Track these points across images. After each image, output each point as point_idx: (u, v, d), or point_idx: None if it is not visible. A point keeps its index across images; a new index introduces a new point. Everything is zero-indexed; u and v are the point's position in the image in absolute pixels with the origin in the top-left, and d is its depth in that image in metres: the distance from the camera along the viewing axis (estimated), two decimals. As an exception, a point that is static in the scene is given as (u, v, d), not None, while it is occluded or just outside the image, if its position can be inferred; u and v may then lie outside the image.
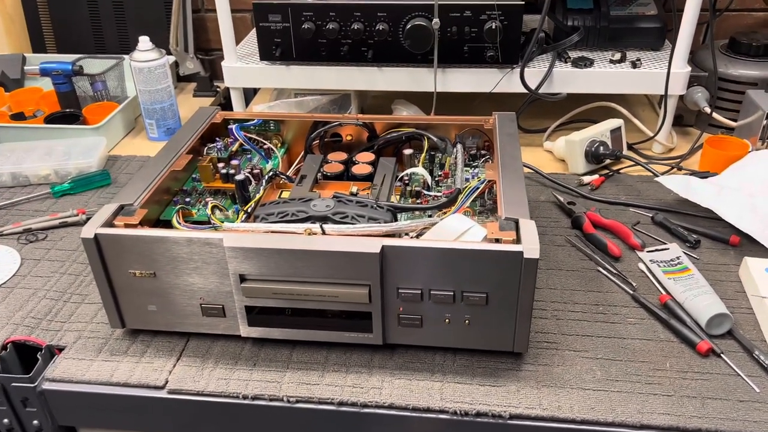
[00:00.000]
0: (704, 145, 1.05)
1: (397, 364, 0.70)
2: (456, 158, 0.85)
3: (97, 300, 0.81)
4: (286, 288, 0.67)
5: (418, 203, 0.80)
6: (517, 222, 0.67)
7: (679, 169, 1.05)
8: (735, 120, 1.10)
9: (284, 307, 0.69)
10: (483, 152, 0.89)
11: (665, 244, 0.87)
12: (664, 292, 0.78)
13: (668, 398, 0.65)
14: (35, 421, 0.73)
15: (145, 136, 1.23)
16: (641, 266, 0.84)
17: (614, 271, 0.83)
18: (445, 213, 0.75)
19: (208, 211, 0.75)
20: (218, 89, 1.42)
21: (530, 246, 0.63)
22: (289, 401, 0.67)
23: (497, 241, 0.65)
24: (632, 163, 1.06)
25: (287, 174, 0.90)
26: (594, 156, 1.04)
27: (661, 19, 1.11)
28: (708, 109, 1.09)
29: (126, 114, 1.24)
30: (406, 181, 0.83)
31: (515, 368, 0.69)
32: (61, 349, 0.74)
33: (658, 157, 1.11)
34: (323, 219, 0.72)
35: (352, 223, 0.71)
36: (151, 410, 0.69)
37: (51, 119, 1.19)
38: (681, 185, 0.92)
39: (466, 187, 0.77)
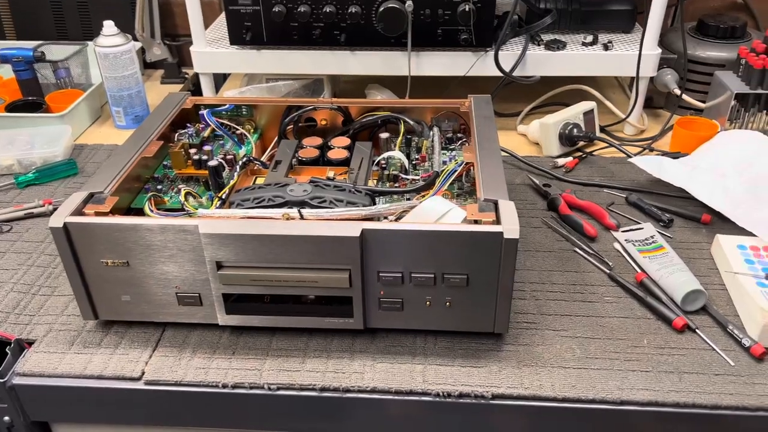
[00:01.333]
0: (674, 126, 1.06)
1: (379, 348, 0.70)
2: (433, 141, 0.85)
3: (67, 292, 0.79)
4: (265, 274, 0.66)
5: (396, 187, 0.79)
6: (496, 203, 0.67)
7: (651, 150, 1.07)
8: (704, 101, 1.12)
9: (263, 294, 0.68)
10: (459, 135, 0.89)
11: (639, 223, 0.88)
12: (639, 271, 0.79)
13: (646, 374, 0.66)
14: (6, 417, 0.71)
15: (112, 125, 1.20)
16: (617, 246, 0.85)
17: (591, 252, 0.83)
18: (423, 196, 0.75)
19: (182, 198, 0.73)
20: (186, 76, 1.39)
21: (510, 226, 0.63)
22: (270, 389, 0.66)
23: (477, 222, 0.65)
24: (605, 144, 1.07)
25: (261, 160, 0.88)
26: (568, 138, 1.04)
27: (632, 2, 1.12)
28: (678, 91, 1.11)
29: (91, 101, 1.20)
30: (383, 165, 0.82)
31: (496, 349, 0.70)
32: (30, 343, 0.72)
33: (629, 138, 1.12)
34: (301, 204, 0.71)
35: (331, 208, 0.70)
36: (128, 402, 0.68)
37: (12, 108, 1.15)
38: (654, 165, 0.93)
39: (444, 170, 0.77)
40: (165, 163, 0.84)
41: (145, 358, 0.69)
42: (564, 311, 0.74)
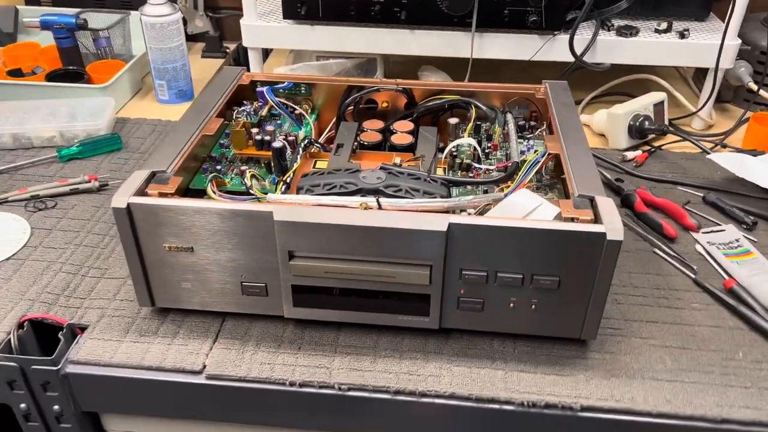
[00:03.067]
0: (750, 122, 1.01)
1: (454, 350, 0.65)
2: (508, 129, 0.79)
3: (119, 275, 0.74)
4: (340, 267, 0.62)
5: (470, 177, 0.74)
6: (592, 200, 0.62)
7: (724, 146, 1.01)
8: (780, 96, 1.06)
9: (334, 287, 0.64)
10: (532, 123, 0.84)
11: (721, 225, 0.83)
12: (727, 276, 0.74)
13: (746, 390, 0.62)
14: (56, 406, 0.67)
15: (154, 98, 1.15)
16: (698, 248, 0.79)
17: (672, 253, 0.78)
18: (502, 189, 0.70)
19: (248, 181, 0.68)
20: (228, 50, 1.34)
21: (613, 226, 0.58)
22: (341, 389, 0.62)
23: (573, 220, 0.60)
24: (675, 139, 1.01)
25: (321, 142, 0.83)
26: (638, 131, 0.99)
27: (708, -12, 1.06)
28: (753, 85, 1.05)
29: (133, 74, 1.16)
30: (454, 153, 0.77)
31: (581, 356, 0.65)
32: (83, 329, 0.68)
33: (698, 133, 1.06)
34: (375, 192, 0.66)
35: (407, 198, 0.65)
36: (188, 397, 0.64)
37: (53, 77, 1.10)
38: (734, 164, 0.88)
39: (524, 160, 0.72)
40: (221, 141, 0.80)
41: (205, 350, 0.65)
42: (649, 317, 0.70)
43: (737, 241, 0.79)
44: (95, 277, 0.74)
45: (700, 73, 1.15)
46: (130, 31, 1.21)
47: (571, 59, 1.01)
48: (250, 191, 0.68)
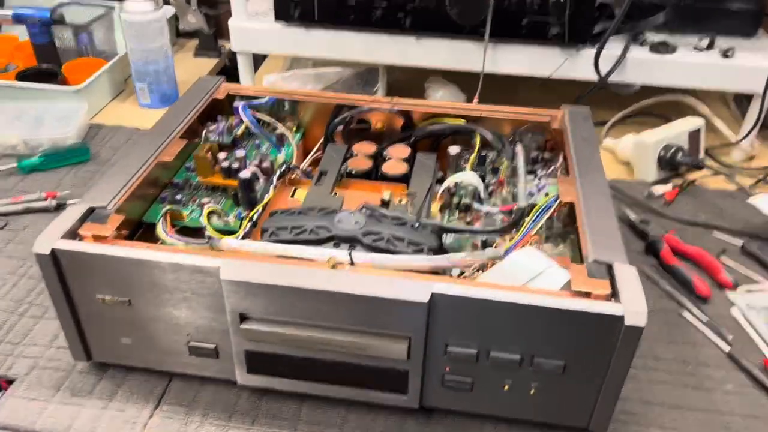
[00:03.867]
0: (798, 157, 0.88)
1: (437, 433, 0.55)
2: (516, 164, 0.68)
3: (61, 315, 0.65)
4: (299, 334, 0.51)
5: (467, 222, 0.64)
6: (610, 267, 0.51)
7: (767, 182, 0.89)
8: (834, 127, 0.93)
9: (293, 355, 0.54)
10: (545, 155, 0.72)
11: (762, 283, 0.71)
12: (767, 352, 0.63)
13: (789, 508, 0.50)
14: (-27, 472, 0.58)
15: (136, 102, 1.06)
16: (734, 312, 0.68)
17: (703, 318, 0.67)
18: (503, 239, 0.59)
19: (203, 220, 0.58)
20: (223, 49, 1.24)
21: (635, 308, 0.46)
22: (296, 479, 0.52)
23: (585, 294, 0.49)
24: (709, 172, 0.89)
25: (302, 168, 0.73)
26: (669, 163, 0.87)
27: (758, 1, 0.93)
28: (804, 113, 0.92)
29: (114, 74, 1.06)
30: (452, 190, 0.66)
31: (588, 450, 0.54)
32: (10, 382, 0.59)
33: (737, 166, 0.94)
34: (350, 240, 0.55)
35: (389, 250, 0.54)
36: (119, 476, 0.54)
37: (24, 76, 1.01)
38: (780, 209, 0.76)
39: (534, 206, 0.61)
40: (188, 164, 0.70)
41: (144, 418, 0.56)
42: (673, 401, 0.58)
43: (782, 305, 0.67)
44: (34, 317, 0.65)
45: (743, 95, 1.02)
46: (114, 25, 1.11)
47: (597, 77, 0.89)
48: (205, 232, 0.57)
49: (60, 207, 0.79)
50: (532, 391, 0.52)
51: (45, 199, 0.79)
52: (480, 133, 0.71)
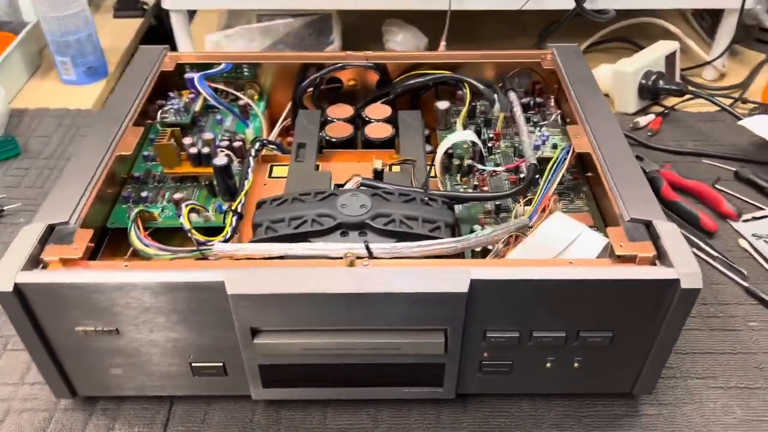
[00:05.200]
0: (772, 71, 0.87)
1: (476, 420, 0.51)
2: (514, 114, 0.63)
3: (27, 344, 0.57)
4: (322, 342, 0.46)
5: (475, 186, 0.58)
6: (648, 225, 0.47)
7: (744, 102, 0.87)
8: (802, 37, 0.92)
9: (315, 363, 0.48)
10: (537, 100, 0.67)
11: (763, 209, 0.70)
12: (785, 282, 0.62)
13: (835, 442, 0.50)
14: None
15: (57, 78, 0.93)
16: (742, 243, 0.67)
17: (715, 254, 0.65)
18: (520, 203, 0.54)
19: (185, 222, 0.50)
20: (146, 7, 1.10)
21: (688, 269, 0.43)
22: (336, 495, 0.47)
23: (629, 259, 0.45)
24: (686, 97, 0.86)
25: (277, 142, 0.66)
26: (651, 91, 0.83)
27: None
28: (773, 25, 0.90)
29: (26, 47, 0.92)
30: (450, 152, 0.61)
31: (632, 413, 0.52)
32: (-18, 433, 0.51)
33: (711, 86, 0.92)
34: (360, 227, 0.49)
35: (405, 232, 0.48)
36: None
37: None
38: (770, 130, 0.74)
39: (543, 161, 0.56)
40: (145, 153, 0.61)
41: (152, 452, 0.49)
42: (703, 347, 0.57)
43: (787, 231, 0.66)
44: (-6, 351, 0.57)
45: (705, 13, 0.99)
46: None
47: (568, 7, 0.83)
48: (192, 237, 0.50)
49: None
50: (575, 365, 0.49)
51: (-26, 208, 0.68)
52: (469, 84, 0.65)
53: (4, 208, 0.69)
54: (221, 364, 0.48)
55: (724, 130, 0.82)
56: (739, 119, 0.78)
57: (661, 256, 0.45)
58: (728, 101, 0.86)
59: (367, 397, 0.51)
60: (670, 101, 0.87)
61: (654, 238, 0.46)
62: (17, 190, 0.73)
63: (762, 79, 0.90)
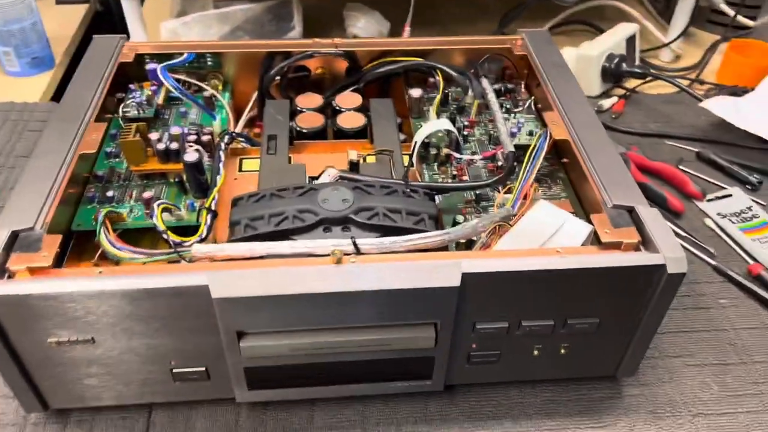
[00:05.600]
0: (726, 52, 0.89)
1: (464, 411, 0.51)
2: (488, 101, 0.63)
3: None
4: (310, 342, 0.45)
5: (453, 175, 0.58)
6: (631, 211, 0.47)
7: (701, 83, 0.89)
8: (754, 18, 0.94)
9: (303, 363, 0.47)
10: (508, 86, 0.67)
11: (725, 188, 0.72)
12: (750, 259, 0.64)
13: (806, 413, 0.52)
14: None
15: (0, 69, 0.87)
16: (708, 222, 0.68)
17: (684, 234, 0.67)
18: (500, 192, 0.54)
19: (159, 223, 0.48)
20: (91, -9, 1.05)
21: (674, 254, 0.44)
22: (329, 495, 0.46)
23: (616, 246, 0.45)
24: (648, 79, 0.88)
25: (246, 134, 0.64)
26: (613, 74, 0.84)
27: None
28: (726, 7, 0.92)
29: (-36, 38, 0.87)
30: (426, 141, 0.60)
31: (615, 395, 0.53)
32: (-54, 454, 0.48)
33: (668, 68, 0.94)
34: (342, 222, 0.48)
35: (389, 226, 0.48)
36: None
37: None
38: (729, 111, 0.76)
39: (521, 148, 0.56)
40: (108, 149, 0.58)
41: (133, 464, 0.47)
42: (678, 325, 0.58)
43: (750, 209, 0.68)
44: (-47, 366, 0.53)
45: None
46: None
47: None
48: (168, 239, 0.47)
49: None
50: (562, 352, 0.49)
51: None
52: (441, 70, 0.64)
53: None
54: (204, 369, 0.47)
55: (685, 111, 0.84)
56: (700, 100, 0.80)
57: (646, 242, 0.45)
58: (686, 83, 0.88)
59: (355, 394, 0.50)
60: (631, 83, 0.88)
61: (637, 223, 0.46)
62: (-32, 193, 0.68)
63: (716, 59, 0.92)
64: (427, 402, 0.52)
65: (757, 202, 0.70)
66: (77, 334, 0.43)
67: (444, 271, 0.42)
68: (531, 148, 0.55)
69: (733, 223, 0.67)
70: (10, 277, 0.42)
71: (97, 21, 1.04)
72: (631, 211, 0.47)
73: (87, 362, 0.45)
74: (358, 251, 0.45)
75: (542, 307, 0.45)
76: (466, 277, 0.42)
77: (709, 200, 0.70)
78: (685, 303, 0.60)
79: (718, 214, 0.68)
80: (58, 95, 0.85)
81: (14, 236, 0.44)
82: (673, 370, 0.55)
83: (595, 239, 0.47)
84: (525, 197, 0.52)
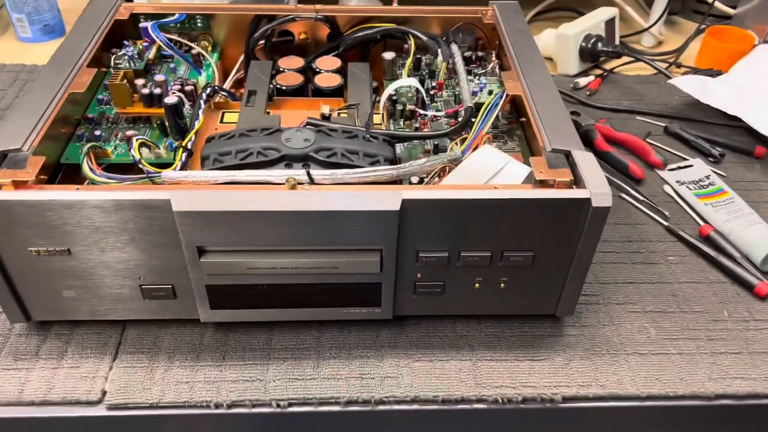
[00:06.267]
0: (704, 37, 0.92)
1: (412, 340, 0.55)
2: (454, 63, 0.67)
3: (-18, 278, 0.58)
4: (265, 261, 0.49)
5: (416, 128, 0.62)
6: (568, 155, 0.51)
7: (678, 66, 0.92)
8: (734, 6, 0.97)
9: (260, 283, 0.51)
10: (479, 54, 0.71)
11: (687, 159, 0.75)
12: (702, 222, 0.67)
13: (737, 357, 0.55)
14: None
15: (13, 36, 0.93)
16: (667, 188, 0.72)
17: (641, 198, 0.70)
18: (456, 142, 0.58)
19: (135, 153, 0.53)
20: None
21: (599, 190, 0.47)
22: (279, 406, 0.50)
23: (548, 184, 0.49)
24: (624, 60, 0.91)
25: (228, 89, 0.68)
26: (590, 53, 0.88)
27: None
28: (707, -6, 0.95)
29: (-18, 5, 0.93)
30: (393, 97, 0.64)
31: (556, 333, 0.56)
32: (-62, 357, 0.53)
33: (649, 52, 0.97)
34: (303, 159, 0.52)
35: (345, 164, 0.52)
36: (87, 434, 0.51)
37: None
38: (698, 89, 0.79)
39: (479, 104, 0.60)
40: (99, 96, 0.63)
41: (104, 371, 0.52)
42: (625, 277, 0.62)
43: (708, 178, 0.71)
44: (-50, 284, 0.58)
45: (647, -18, 1.04)
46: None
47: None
48: (141, 167, 0.52)
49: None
50: (502, 286, 0.53)
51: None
52: (413, 35, 0.69)
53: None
54: (170, 286, 0.51)
55: (658, 91, 0.87)
56: (671, 79, 0.83)
57: (578, 182, 0.49)
58: (664, 66, 0.91)
59: (310, 318, 0.54)
60: (610, 64, 0.92)
61: (572, 166, 0.50)
62: (-27, 139, 0.74)
63: (696, 46, 0.95)
64: (378, 331, 0.56)
65: (716, 172, 0.73)
66: (54, 244, 0.48)
67: (386, 197, 0.47)
68: (486, 103, 0.59)
69: (690, 189, 0.70)
70: (-3, 189, 0.47)
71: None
72: (567, 155, 0.51)
73: (64, 274, 0.50)
74: (312, 181, 0.49)
75: (479, 237, 0.49)
76: (406, 203, 0.46)
77: (670, 170, 0.73)
78: (634, 258, 0.64)
79: (677, 181, 0.71)
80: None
81: (3, 156, 0.49)
82: (614, 315, 0.58)
83: (533, 179, 0.51)
84: (476, 147, 0.56)
